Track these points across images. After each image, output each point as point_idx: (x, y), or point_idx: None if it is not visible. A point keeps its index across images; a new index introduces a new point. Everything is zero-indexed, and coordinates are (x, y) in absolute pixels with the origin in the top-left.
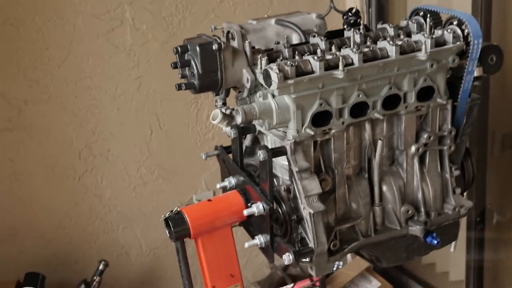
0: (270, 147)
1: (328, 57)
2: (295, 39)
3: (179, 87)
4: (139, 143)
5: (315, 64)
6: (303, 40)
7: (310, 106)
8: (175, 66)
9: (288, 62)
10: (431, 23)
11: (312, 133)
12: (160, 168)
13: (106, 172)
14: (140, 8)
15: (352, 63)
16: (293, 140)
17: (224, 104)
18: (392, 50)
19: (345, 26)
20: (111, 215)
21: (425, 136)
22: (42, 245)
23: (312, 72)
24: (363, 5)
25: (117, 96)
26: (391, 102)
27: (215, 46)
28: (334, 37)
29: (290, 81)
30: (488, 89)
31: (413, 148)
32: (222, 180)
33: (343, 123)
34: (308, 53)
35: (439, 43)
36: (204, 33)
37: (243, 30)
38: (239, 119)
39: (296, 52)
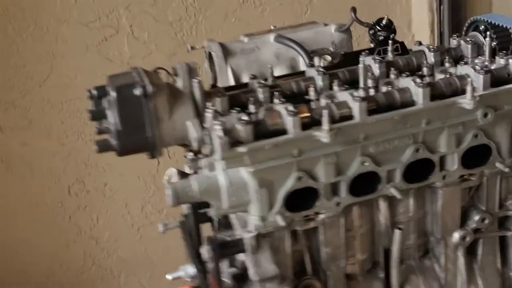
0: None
1: (323, 102)
2: (302, 64)
3: (99, 148)
4: (143, 175)
5: (286, 120)
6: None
7: (282, 182)
8: (92, 116)
9: (244, 117)
10: (493, 45)
11: (283, 223)
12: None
13: (103, 210)
14: (139, 13)
15: (350, 116)
16: (255, 233)
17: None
18: (418, 93)
19: (372, 45)
20: (110, 260)
21: (477, 218)
22: None
23: (283, 132)
24: (432, 2)
25: None
26: (420, 169)
27: (138, 91)
28: (350, 63)
29: (242, 149)
30: None
31: (456, 236)
32: None
33: (338, 204)
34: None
35: (500, 78)
36: (138, 67)
37: (224, 52)
38: (168, 201)
39: (277, 93)
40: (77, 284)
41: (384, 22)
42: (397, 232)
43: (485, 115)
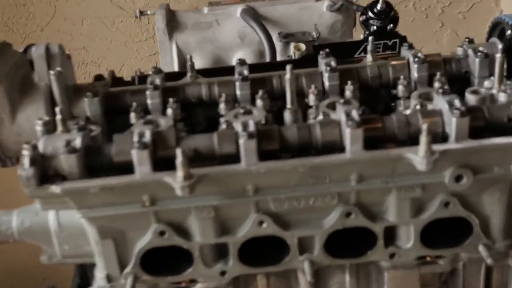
0: None
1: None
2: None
3: None
4: None
5: (132, 152)
6: (269, 58)
7: (137, 235)
8: None
9: (76, 139)
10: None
11: None
12: None
13: None
14: None
15: (234, 157)
16: None
17: None
18: (347, 134)
19: (365, 34)
20: None
21: None
22: None
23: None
24: None
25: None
26: (358, 240)
27: None
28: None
29: (55, 188)
30: None
31: None
32: None
33: (222, 273)
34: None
35: (494, 123)
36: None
37: (171, 23)
38: None
39: (171, 101)
40: None
41: (379, 6)
42: None
43: (458, 178)
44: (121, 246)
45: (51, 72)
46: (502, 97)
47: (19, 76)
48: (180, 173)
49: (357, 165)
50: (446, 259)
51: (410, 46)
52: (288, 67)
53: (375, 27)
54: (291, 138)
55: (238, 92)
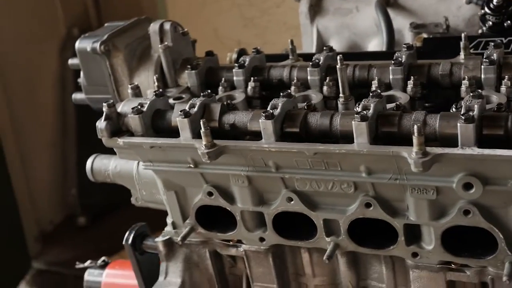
0: None
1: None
2: (408, 38)
3: None
4: None
5: (178, 121)
6: (386, 48)
7: (193, 193)
8: None
9: (147, 102)
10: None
11: (178, 238)
12: None
13: None
14: None
15: (259, 137)
16: (165, 239)
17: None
18: (355, 128)
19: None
20: None
21: None
22: None
23: (174, 133)
24: None
25: None
26: (386, 235)
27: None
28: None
29: (120, 141)
30: None
31: None
32: None
33: (261, 240)
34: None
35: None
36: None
37: (314, 8)
38: (89, 176)
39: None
40: None
41: (495, 1)
42: None
43: (467, 186)
44: (183, 199)
45: (160, 45)
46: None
47: (141, 47)
48: (203, 142)
49: (363, 158)
50: (472, 270)
51: (497, 45)
52: (338, 57)
53: (490, 23)
54: (313, 124)
55: (308, 77)
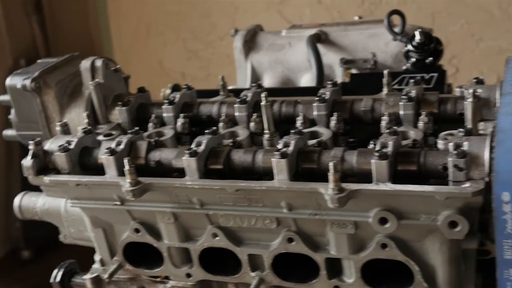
0: None
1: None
2: (338, 75)
3: None
4: None
5: (103, 157)
6: (316, 83)
7: (121, 229)
8: None
9: (75, 140)
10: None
11: (105, 275)
12: None
13: None
14: None
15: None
16: (93, 275)
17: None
18: (273, 163)
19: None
20: None
21: None
22: None
23: (102, 170)
24: None
25: None
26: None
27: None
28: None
29: (46, 179)
30: None
31: None
32: None
33: (188, 275)
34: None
35: (427, 172)
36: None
37: (249, 44)
38: (17, 214)
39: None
40: None
41: (417, 39)
42: None
43: (382, 221)
44: (111, 236)
45: (91, 82)
46: (440, 145)
47: (73, 83)
48: (127, 179)
49: (284, 194)
50: None
51: (416, 82)
52: (263, 94)
53: (413, 60)
54: (236, 161)
55: (235, 114)
